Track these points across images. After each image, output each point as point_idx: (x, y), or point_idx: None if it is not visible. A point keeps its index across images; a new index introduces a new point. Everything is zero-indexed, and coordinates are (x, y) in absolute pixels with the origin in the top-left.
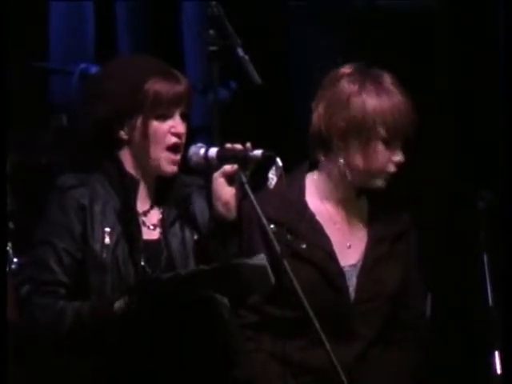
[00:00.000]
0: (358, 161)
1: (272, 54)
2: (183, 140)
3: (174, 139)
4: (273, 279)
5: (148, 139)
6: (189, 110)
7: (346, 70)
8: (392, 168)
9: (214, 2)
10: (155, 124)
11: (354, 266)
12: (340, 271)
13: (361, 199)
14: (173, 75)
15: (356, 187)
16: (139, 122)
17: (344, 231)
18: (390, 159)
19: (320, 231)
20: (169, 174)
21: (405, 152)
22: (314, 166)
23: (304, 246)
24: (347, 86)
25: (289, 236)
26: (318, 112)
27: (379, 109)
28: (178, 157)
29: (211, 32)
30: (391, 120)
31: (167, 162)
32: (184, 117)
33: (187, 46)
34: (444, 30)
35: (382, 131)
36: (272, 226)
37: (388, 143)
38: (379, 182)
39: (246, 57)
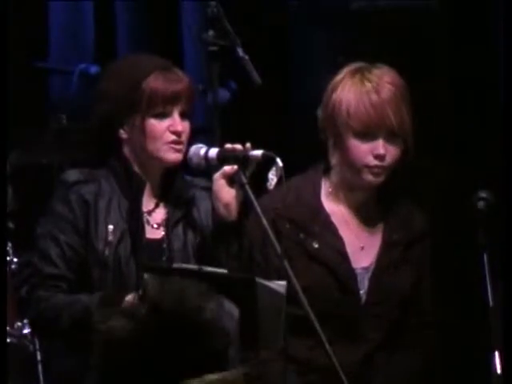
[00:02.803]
0: (336, 156)
1: (272, 54)
2: (183, 138)
3: (172, 137)
4: (283, 311)
5: (146, 138)
6: (190, 109)
7: (346, 68)
8: (372, 161)
9: (213, 2)
10: (153, 122)
11: (366, 268)
12: (351, 272)
13: (377, 202)
14: (172, 73)
15: (370, 189)
16: (137, 120)
17: (358, 233)
18: (369, 152)
19: (334, 232)
20: (173, 163)
21: (404, 148)
22: (330, 168)
23: (316, 246)
24: (333, 83)
25: (301, 234)
26: (318, 114)
27: (348, 101)
28: (180, 146)
29: (211, 32)
30: (360, 112)
31: (169, 152)
32: (184, 115)
33: (187, 46)
34: (444, 29)
35: (352, 124)
36: (287, 225)
37: (362, 136)
38: (367, 177)
39: (246, 57)
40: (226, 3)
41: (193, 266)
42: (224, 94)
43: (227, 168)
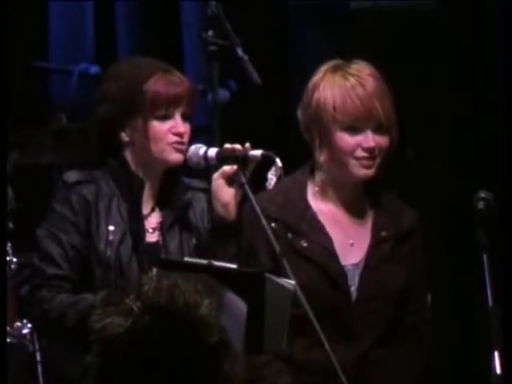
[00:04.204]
0: (324, 154)
1: (272, 54)
2: (185, 139)
3: (174, 138)
4: (290, 310)
5: (148, 140)
6: (191, 111)
7: (322, 67)
8: (360, 153)
9: (213, 2)
10: (155, 124)
11: (356, 265)
12: (341, 270)
13: (366, 198)
14: (173, 76)
15: (358, 186)
16: (139, 123)
17: (347, 230)
18: (358, 145)
19: (321, 230)
20: (176, 163)
21: (391, 140)
22: (316, 167)
23: (305, 245)
24: (313, 82)
25: (289, 234)
26: (299, 116)
27: (333, 97)
28: (182, 147)
29: (211, 32)
30: (348, 106)
31: (171, 151)
32: (185, 117)
33: (187, 46)
34: (444, 29)
35: (339, 118)
36: (273, 224)
37: (350, 130)
38: (357, 171)
39: (246, 57)
40: (225, 3)
41: (203, 261)
42: (224, 94)
43: (226, 168)
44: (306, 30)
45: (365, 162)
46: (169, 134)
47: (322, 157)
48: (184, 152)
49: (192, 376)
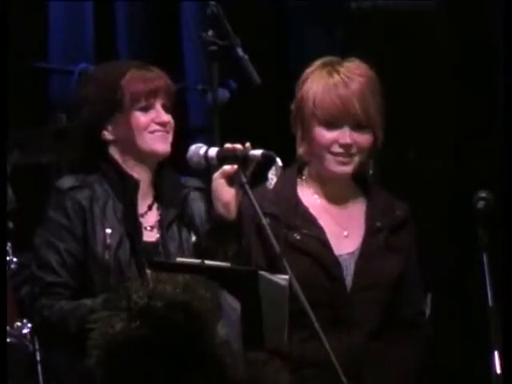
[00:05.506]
0: (303, 147)
1: (272, 54)
2: (168, 129)
3: (157, 126)
4: (287, 306)
5: (132, 131)
6: (171, 104)
7: (316, 62)
8: (337, 148)
9: (213, 2)
10: (137, 115)
11: (352, 253)
12: (335, 260)
13: (356, 190)
14: (148, 70)
15: (344, 179)
16: (121, 117)
17: (340, 221)
18: (335, 141)
19: (314, 222)
20: (162, 154)
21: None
22: (305, 164)
23: (298, 237)
24: (303, 76)
25: (283, 229)
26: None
27: (315, 92)
28: (166, 135)
29: (211, 32)
30: (326, 102)
31: (155, 140)
32: (166, 109)
33: (187, 46)
34: (444, 29)
35: (317, 113)
36: (267, 219)
37: (328, 125)
38: (333, 167)
39: (246, 57)
40: (226, 3)
41: (196, 261)
42: (224, 94)
43: (227, 167)
44: (306, 30)
45: (341, 159)
46: (151, 123)
47: (301, 149)
48: (169, 142)
49: (198, 366)
